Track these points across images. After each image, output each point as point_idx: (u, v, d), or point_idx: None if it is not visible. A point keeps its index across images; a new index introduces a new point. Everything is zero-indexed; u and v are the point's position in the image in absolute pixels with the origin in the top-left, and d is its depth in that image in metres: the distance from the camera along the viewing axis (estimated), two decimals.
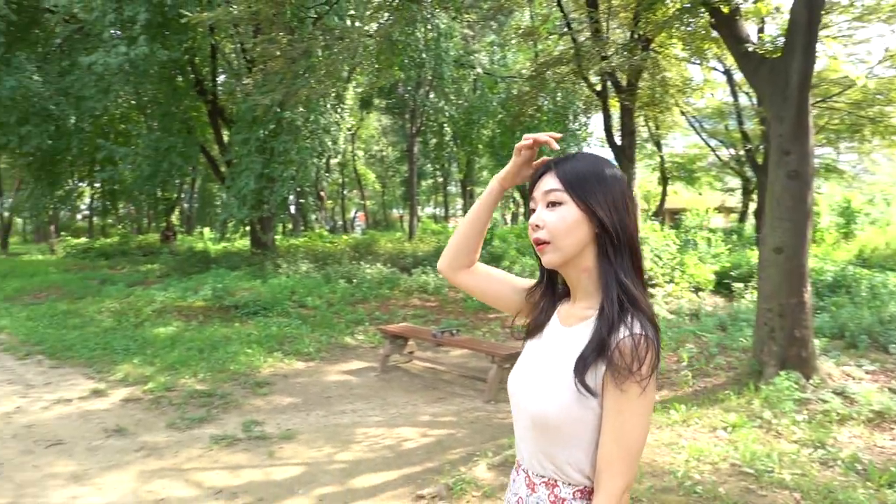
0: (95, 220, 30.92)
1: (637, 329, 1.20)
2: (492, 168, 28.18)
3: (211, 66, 15.71)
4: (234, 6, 9.40)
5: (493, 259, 12.44)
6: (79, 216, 33.88)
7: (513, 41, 17.76)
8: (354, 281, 12.27)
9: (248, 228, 16.01)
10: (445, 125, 18.47)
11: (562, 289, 1.42)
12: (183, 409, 5.44)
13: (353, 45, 9.75)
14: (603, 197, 1.27)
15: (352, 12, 11.79)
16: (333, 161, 22.70)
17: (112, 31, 11.22)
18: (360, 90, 20.77)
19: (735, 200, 27.60)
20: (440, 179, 32.52)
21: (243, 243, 19.75)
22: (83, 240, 23.50)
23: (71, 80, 13.19)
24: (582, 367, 1.21)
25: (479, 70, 19.02)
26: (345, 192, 37.50)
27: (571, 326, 1.32)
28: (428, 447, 4.51)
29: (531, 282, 1.49)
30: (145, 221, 30.57)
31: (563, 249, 1.28)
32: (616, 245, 1.27)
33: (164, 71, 12.94)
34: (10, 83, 12.44)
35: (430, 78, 16.93)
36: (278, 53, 9.42)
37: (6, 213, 26.26)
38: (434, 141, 19.42)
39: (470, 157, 22.88)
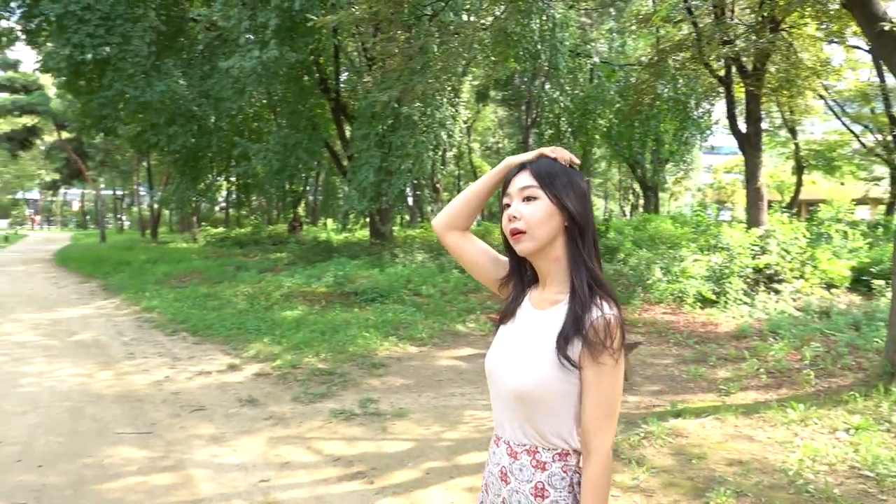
0: (231, 211, 33.42)
1: (607, 309, 1.36)
2: (609, 158, 27.51)
3: (334, 66, 16.51)
4: (356, 7, 9.89)
5: (609, 251, 12.17)
6: (217, 208, 36.65)
7: (632, 27, 17.29)
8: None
9: (367, 220, 16.74)
10: (561, 116, 18.29)
11: (530, 276, 1.54)
12: (306, 385, 5.90)
13: (467, 39, 9.95)
14: (572, 193, 1.43)
15: (467, 6, 12.00)
16: (449, 154, 23.13)
17: (247, 37, 12.10)
18: (476, 83, 20.99)
19: (881, 190, 25.25)
20: None
21: (363, 234, 20.66)
22: (220, 229, 25.52)
23: (211, 83, 14.37)
24: (563, 343, 1.36)
25: (596, 59, 18.65)
26: (461, 183, 38.00)
27: (545, 310, 1.46)
28: None
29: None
30: (275, 213, 32.59)
31: (537, 238, 1.42)
32: (583, 236, 1.43)
33: (292, 71, 13.80)
34: (160, 88, 13.76)
35: (546, 68, 16.84)
36: (396, 51, 9.81)
37: (156, 206, 29.00)
38: (549, 132, 19.28)
39: (586, 148, 22.57)
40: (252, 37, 11.99)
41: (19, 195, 66.46)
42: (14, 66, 31.62)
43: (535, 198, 1.43)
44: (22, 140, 34.67)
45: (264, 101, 17.74)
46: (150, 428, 4.82)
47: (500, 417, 1.52)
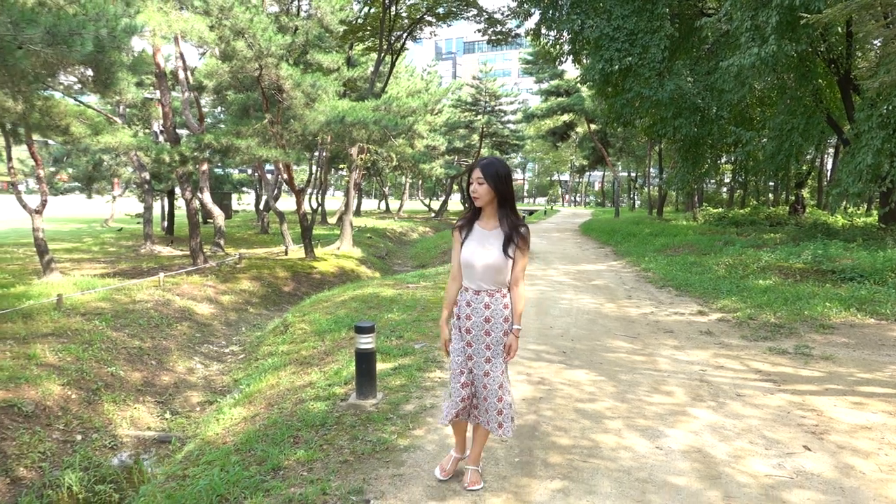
0: (736, 192, 34.24)
1: (523, 229, 3.18)
2: None
3: (845, 43, 16.11)
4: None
5: None
6: (724, 189, 37.80)
7: None
8: None
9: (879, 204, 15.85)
10: None
11: (476, 215, 3.31)
12: (755, 330, 7.46)
13: None
14: (499, 181, 3.15)
15: None
16: None
17: (748, 34, 13.38)
18: None
19: None
20: None
21: (873, 219, 19.30)
22: (719, 210, 26.92)
23: (714, 78, 16.08)
24: (507, 245, 3.19)
25: None
26: None
27: (491, 230, 3.23)
28: None
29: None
30: (780, 194, 32.04)
31: (483, 201, 3.18)
32: (505, 197, 3.19)
33: (792, 59, 14.36)
34: (670, 87, 16.21)
35: None
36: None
37: (663, 187, 32.11)
38: None
39: None
40: (753, 35, 13.19)
41: (554, 177, 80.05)
42: (560, 75, 39.21)
43: (483, 183, 3.13)
44: (562, 133, 42.79)
45: (766, 88, 18.41)
46: (636, 335, 7.26)
47: (479, 281, 3.23)
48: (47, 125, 8.32)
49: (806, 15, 10.48)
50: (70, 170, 20.58)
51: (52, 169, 20.15)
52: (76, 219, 30.87)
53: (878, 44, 14.07)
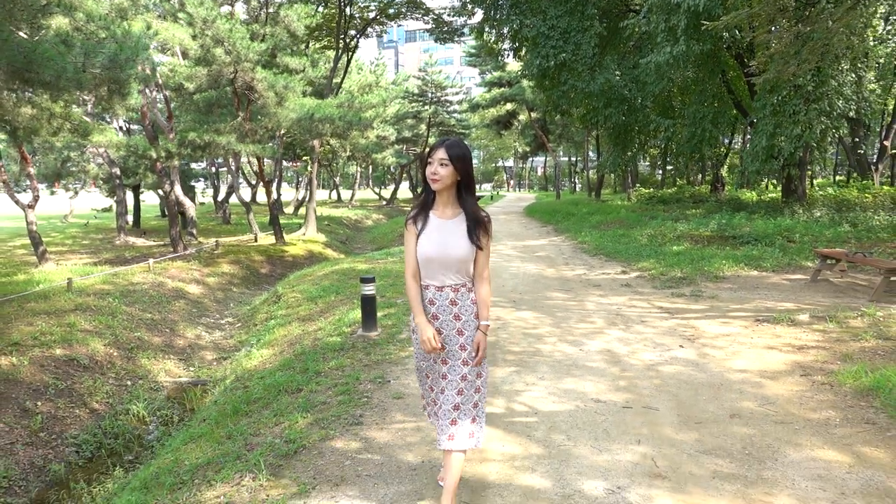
0: (668, 174, 36.83)
1: (483, 214, 2.84)
2: None
3: (747, 41, 18.39)
4: (746, 9, 12.31)
5: None
6: (659, 171, 40.44)
7: None
8: (860, 226, 13.57)
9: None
10: None
11: (429, 203, 2.88)
12: (664, 282, 9.39)
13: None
14: (462, 163, 2.77)
15: None
16: None
17: (663, 35, 15.41)
18: None
19: None
20: None
21: (778, 193, 21.86)
22: (650, 190, 29.37)
23: (638, 72, 18.14)
24: (474, 234, 2.79)
25: None
26: None
27: (451, 219, 2.83)
28: (788, 310, 7.26)
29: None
30: (700, 175, 34.79)
31: (444, 184, 2.75)
32: (468, 182, 2.81)
33: (701, 56, 16.49)
34: (600, 80, 18.19)
35: None
36: (775, 40, 11.95)
37: (599, 170, 34.42)
38: None
39: None
40: (667, 36, 15.23)
41: (499, 163, 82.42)
42: (502, 67, 41.18)
43: (446, 164, 2.73)
44: (505, 122, 44.85)
45: (684, 80, 20.63)
46: (570, 289, 9.10)
47: (442, 275, 2.82)
48: (59, 128, 9.51)
49: (706, 22, 12.47)
50: (33, 167, 21.19)
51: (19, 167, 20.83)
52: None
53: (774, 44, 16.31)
